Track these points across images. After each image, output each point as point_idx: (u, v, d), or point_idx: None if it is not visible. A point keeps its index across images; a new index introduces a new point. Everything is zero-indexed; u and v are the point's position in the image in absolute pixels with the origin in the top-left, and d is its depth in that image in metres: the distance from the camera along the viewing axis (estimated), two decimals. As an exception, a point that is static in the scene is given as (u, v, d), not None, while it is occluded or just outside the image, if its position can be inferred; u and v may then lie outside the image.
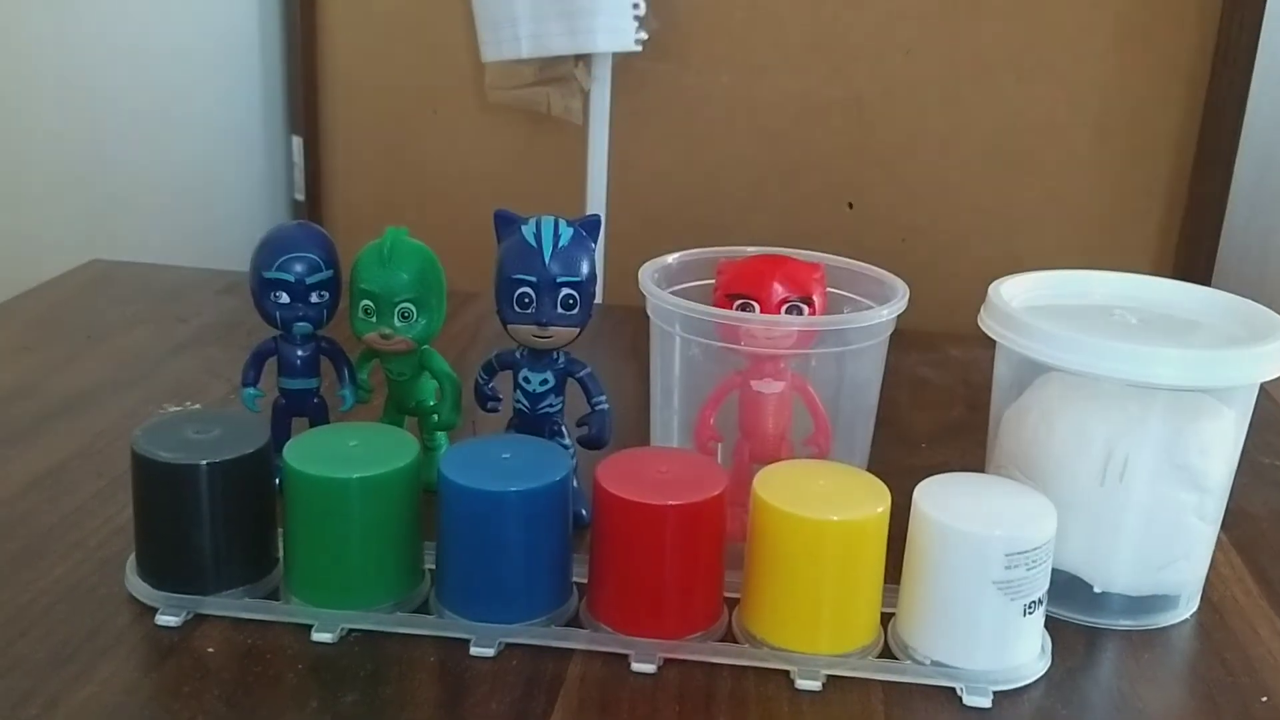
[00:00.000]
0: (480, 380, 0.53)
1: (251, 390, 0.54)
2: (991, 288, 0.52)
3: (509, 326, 0.50)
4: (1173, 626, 0.50)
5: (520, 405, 0.52)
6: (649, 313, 0.53)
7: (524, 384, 0.51)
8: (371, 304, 0.52)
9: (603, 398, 0.52)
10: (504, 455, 0.47)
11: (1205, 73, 1.27)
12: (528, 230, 0.48)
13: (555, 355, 0.51)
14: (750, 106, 1.33)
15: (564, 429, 0.52)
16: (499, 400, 0.53)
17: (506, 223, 0.49)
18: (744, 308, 0.50)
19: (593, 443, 0.52)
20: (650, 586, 0.45)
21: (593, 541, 0.47)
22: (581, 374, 0.52)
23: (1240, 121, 1.23)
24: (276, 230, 0.53)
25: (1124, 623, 0.49)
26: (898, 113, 1.32)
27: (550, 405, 0.52)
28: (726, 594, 0.48)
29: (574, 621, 0.47)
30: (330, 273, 0.52)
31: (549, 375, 0.51)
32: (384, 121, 1.44)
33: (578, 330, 0.50)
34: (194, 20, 1.31)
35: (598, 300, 0.50)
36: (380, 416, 0.57)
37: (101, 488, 0.57)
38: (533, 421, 0.52)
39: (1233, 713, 0.44)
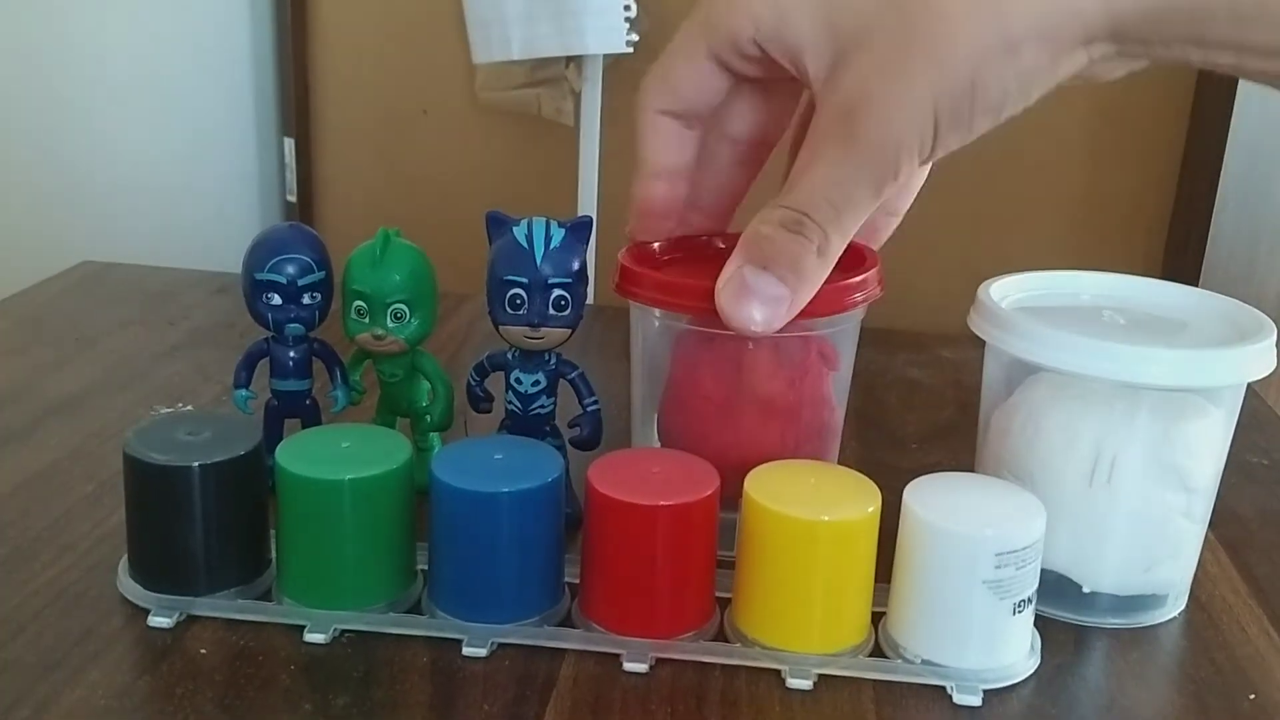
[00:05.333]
0: (472, 381, 0.53)
1: (243, 392, 0.54)
2: (981, 288, 0.52)
3: (501, 328, 0.50)
4: (1161, 625, 0.50)
5: (512, 406, 0.52)
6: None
7: (516, 385, 0.52)
8: (364, 305, 0.52)
9: (594, 399, 0.52)
10: (496, 456, 0.47)
11: (1193, 72, 1.27)
12: (519, 231, 0.49)
13: (547, 356, 0.51)
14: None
15: (556, 430, 0.53)
16: (491, 401, 0.53)
17: (497, 224, 0.49)
18: None
19: (584, 444, 0.52)
20: (642, 586, 0.46)
21: (585, 542, 0.47)
22: (572, 375, 0.52)
23: (1228, 122, 1.23)
24: (268, 232, 0.53)
25: (1112, 621, 0.50)
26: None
27: (542, 406, 0.52)
28: (718, 593, 0.48)
29: (566, 621, 0.47)
30: (322, 274, 0.52)
31: (541, 376, 0.51)
32: (376, 123, 1.44)
33: (569, 331, 0.50)
34: (185, 22, 1.31)
35: (590, 301, 0.51)
36: (372, 418, 0.57)
37: (92, 490, 0.56)
38: (525, 422, 0.52)
39: (1220, 710, 0.45)
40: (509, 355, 0.52)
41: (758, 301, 0.43)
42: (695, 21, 0.46)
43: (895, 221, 0.53)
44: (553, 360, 0.51)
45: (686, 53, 0.46)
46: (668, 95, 0.47)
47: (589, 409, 0.52)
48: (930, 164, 0.42)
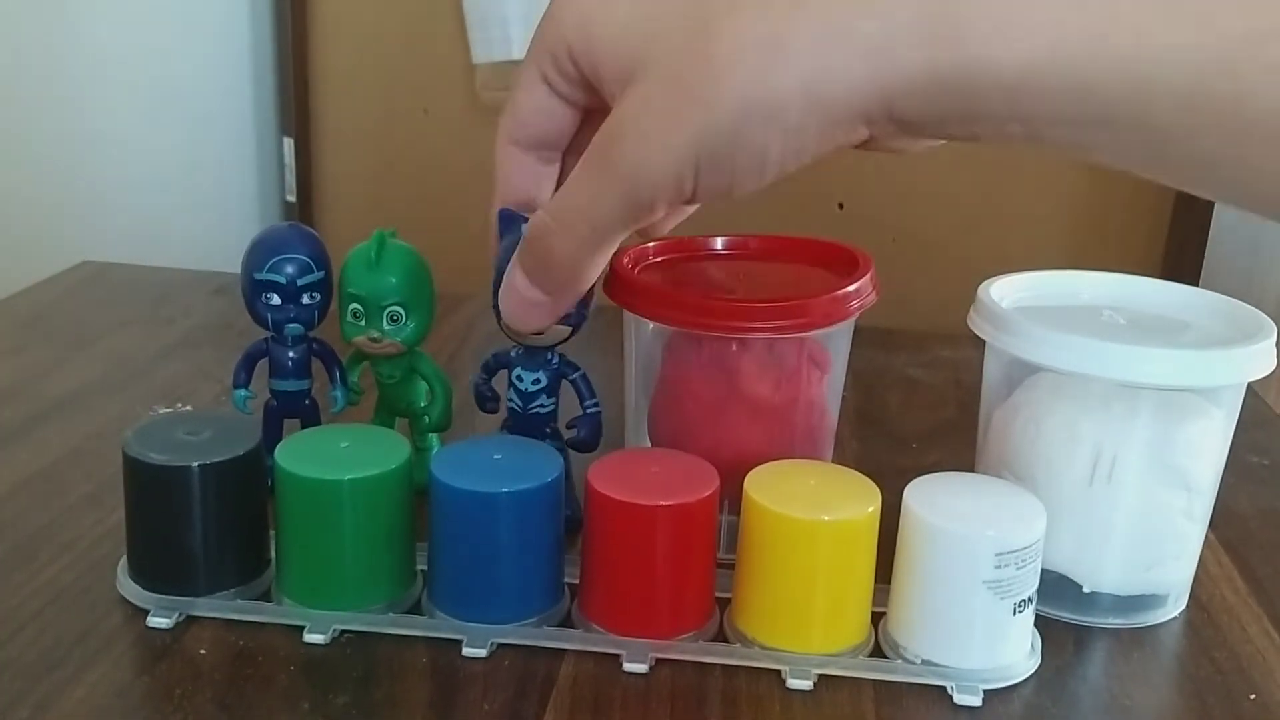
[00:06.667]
0: (479, 380, 0.53)
1: (242, 392, 0.54)
2: (981, 288, 0.52)
3: (501, 324, 0.49)
4: (1161, 625, 0.50)
5: (513, 404, 0.52)
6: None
7: (517, 383, 0.51)
8: (360, 307, 0.52)
9: (594, 400, 0.52)
10: (495, 456, 0.47)
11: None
12: (527, 228, 0.48)
13: (550, 355, 0.51)
14: (741, 107, 1.33)
15: (556, 431, 0.52)
16: (497, 401, 0.53)
17: (508, 221, 0.49)
18: None
19: (582, 445, 0.52)
20: (642, 587, 0.46)
21: (584, 542, 0.47)
22: (574, 376, 0.52)
23: (1228, 122, 1.23)
24: (268, 231, 0.53)
25: (1113, 621, 0.50)
26: (888, 113, 1.32)
27: (542, 405, 0.52)
28: (717, 593, 0.48)
29: (566, 622, 0.47)
30: (322, 274, 0.52)
31: (542, 375, 0.51)
32: (375, 122, 1.44)
33: (571, 330, 0.50)
34: (184, 21, 1.31)
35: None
36: (371, 418, 0.57)
37: (91, 490, 0.56)
38: (524, 421, 0.52)
39: (1221, 710, 0.45)
40: (512, 353, 0.51)
41: (522, 304, 0.45)
42: (531, 43, 0.44)
43: (679, 219, 0.49)
44: (555, 360, 0.51)
45: (525, 81, 0.45)
46: (517, 128, 0.46)
47: (588, 411, 0.52)
48: (690, 204, 0.40)
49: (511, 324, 0.46)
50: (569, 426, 0.52)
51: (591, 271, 0.43)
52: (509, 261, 0.48)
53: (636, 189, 0.38)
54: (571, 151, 0.47)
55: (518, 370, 0.51)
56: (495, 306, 0.49)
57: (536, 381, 0.51)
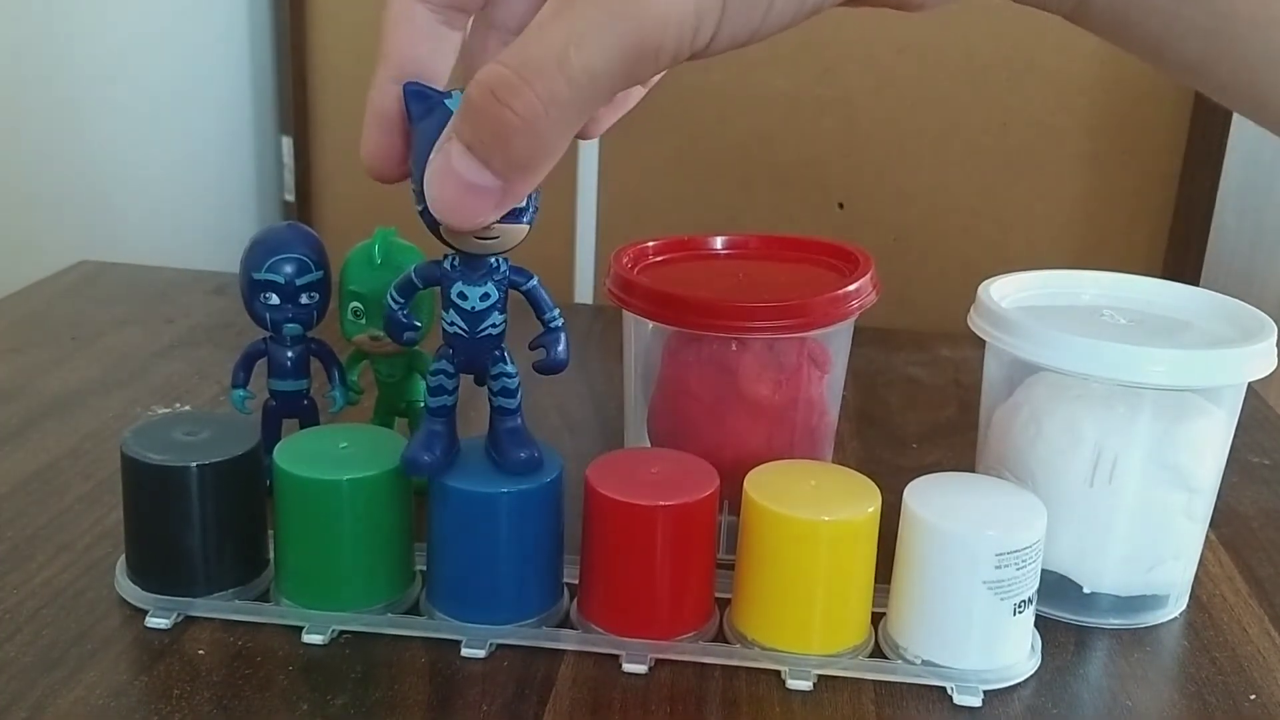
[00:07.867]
0: (394, 304, 0.44)
1: (241, 392, 0.54)
2: (981, 287, 0.52)
3: (441, 228, 0.39)
4: (1162, 625, 0.50)
5: (455, 329, 0.43)
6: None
7: (459, 302, 0.42)
8: (361, 305, 0.52)
9: (556, 313, 0.44)
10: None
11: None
12: (454, 105, 0.37)
13: (495, 263, 0.42)
14: (741, 106, 1.33)
15: (508, 354, 0.45)
16: (417, 329, 0.46)
17: (421, 99, 0.37)
18: None
19: (553, 367, 0.44)
20: (641, 587, 0.45)
21: (584, 542, 0.46)
22: (528, 285, 0.43)
23: (1229, 121, 1.23)
24: (266, 231, 0.53)
25: (1113, 621, 0.50)
26: (888, 112, 1.32)
27: (494, 326, 0.43)
28: (718, 594, 0.48)
29: (565, 622, 0.47)
30: (320, 274, 0.52)
31: (490, 288, 0.42)
32: (374, 121, 1.44)
33: (527, 229, 0.40)
34: (183, 20, 1.31)
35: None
36: (371, 418, 0.57)
37: (90, 489, 0.56)
38: (472, 347, 0.43)
39: (1221, 710, 0.45)
40: (448, 265, 0.43)
41: (464, 190, 0.33)
42: None
43: (619, 113, 0.41)
44: (503, 268, 0.43)
45: None
46: None
47: (551, 325, 0.43)
48: (700, 56, 0.31)
49: (448, 219, 0.34)
50: (532, 347, 0.44)
51: (563, 145, 0.32)
52: (434, 146, 0.35)
53: (643, 26, 0.29)
54: (485, 22, 0.38)
55: (459, 287, 0.42)
56: (421, 212, 0.39)
57: (485, 298, 0.42)
